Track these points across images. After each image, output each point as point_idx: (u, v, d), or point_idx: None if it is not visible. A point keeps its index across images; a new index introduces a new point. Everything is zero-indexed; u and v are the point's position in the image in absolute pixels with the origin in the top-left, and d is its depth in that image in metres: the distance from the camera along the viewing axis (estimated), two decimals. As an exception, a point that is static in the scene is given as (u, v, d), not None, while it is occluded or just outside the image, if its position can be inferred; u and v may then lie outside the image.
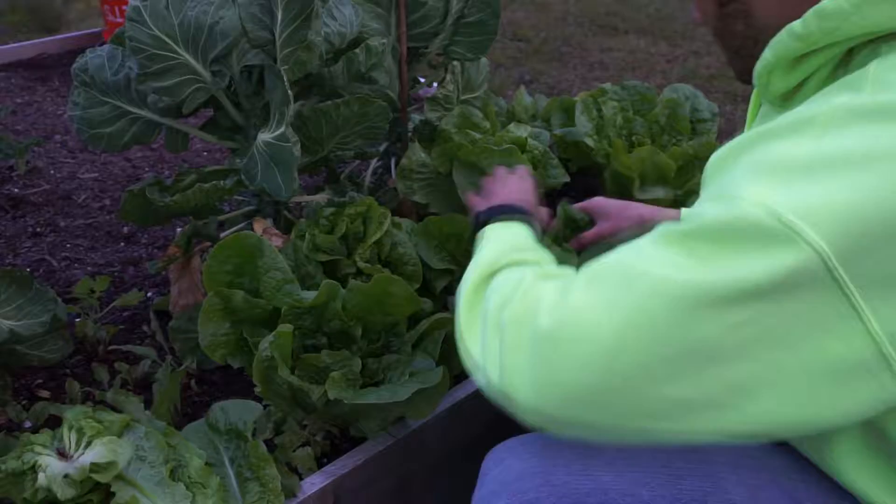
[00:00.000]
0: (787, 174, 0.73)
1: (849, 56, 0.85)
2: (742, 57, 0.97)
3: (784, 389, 0.75)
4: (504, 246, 1.06)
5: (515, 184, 1.41)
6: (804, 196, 0.71)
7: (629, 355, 0.76)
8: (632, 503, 0.97)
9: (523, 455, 1.04)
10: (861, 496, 0.91)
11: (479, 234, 1.16)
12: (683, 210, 0.77)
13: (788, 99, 0.91)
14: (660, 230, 0.79)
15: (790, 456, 1.03)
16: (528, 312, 0.84)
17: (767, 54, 0.87)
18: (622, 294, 0.77)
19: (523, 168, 1.52)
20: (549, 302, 0.83)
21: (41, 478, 1.10)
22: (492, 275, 0.99)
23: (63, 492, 1.10)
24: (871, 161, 0.71)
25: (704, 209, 0.76)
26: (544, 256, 1.04)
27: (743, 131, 1.30)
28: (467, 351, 0.95)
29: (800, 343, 0.73)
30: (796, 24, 0.82)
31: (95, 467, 1.12)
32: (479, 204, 1.34)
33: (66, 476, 1.10)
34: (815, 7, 0.81)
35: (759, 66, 0.89)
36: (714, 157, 0.84)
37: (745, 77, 0.97)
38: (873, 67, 0.79)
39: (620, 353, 0.76)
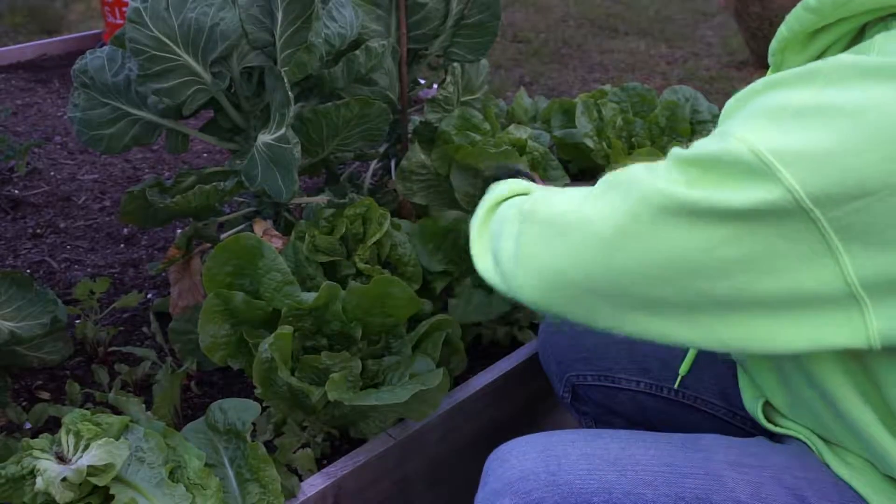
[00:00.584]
0: (779, 118, 0.78)
1: (861, 34, 0.88)
2: (758, 39, 1.02)
3: (756, 311, 0.82)
4: (512, 185, 1.16)
5: None
6: (788, 139, 0.76)
7: (625, 253, 0.85)
8: (635, 502, 0.99)
9: (527, 454, 1.05)
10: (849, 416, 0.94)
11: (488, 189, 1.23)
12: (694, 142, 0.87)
13: None
14: (671, 153, 0.86)
15: (792, 455, 1.04)
16: (539, 212, 0.96)
17: (782, 29, 0.90)
18: (623, 200, 0.86)
19: None
20: (561, 203, 0.94)
21: (39, 482, 1.10)
22: (501, 202, 1.10)
23: (61, 495, 1.09)
24: (860, 114, 0.75)
25: (706, 142, 0.83)
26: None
27: None
28: (478, 256, 1.07)
29: (775, 270, 0.79)
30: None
31: (93, 470, 1.12)
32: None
33: (63, 479, 1.10)
34: None
35: (773, 43, 0.93)
36: (729, 102, 0.89)
37: (763, 62, 1.01)
38: (879, 38, 0.83)
39: (617, 250, 0.85)
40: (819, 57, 0.90)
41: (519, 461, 1.05)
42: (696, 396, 1.32)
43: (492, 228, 1.07)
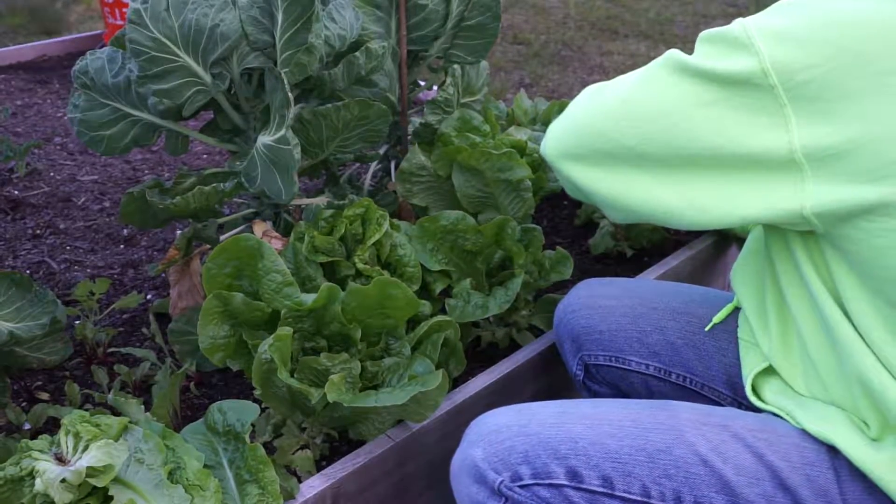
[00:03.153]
0: (777, 9, 0.98)
1: None
2: None
3: (719, 173, 1.00)
4: None
5: None
6: (772, 20, 0.95)
7: (630, 104, 1.05)
8: (600, 451, 1.06)
9: (503, 413, 1.15)
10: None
11: None
12: None
13: None
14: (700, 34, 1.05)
15: (759, 420, 1.10)
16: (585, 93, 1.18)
17: None
18: (649, 66, 1.07)
19: None
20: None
21: (38, 483, 1.10)
22: None
23: (60, 496, 1.09)
24: (828, 8, 0.93)
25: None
26: None
27: None
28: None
29: (737, 136, 0.96)
30: None
31: (92, 471, 1.11)
32: None
33: (62, 481, 1.10)
34: None
35: None
36: None
37: None
38: None
39: (625, 102, 1.06)
40: None
41: (494, 419, 1.14)
42: (704, 384, 1.36)
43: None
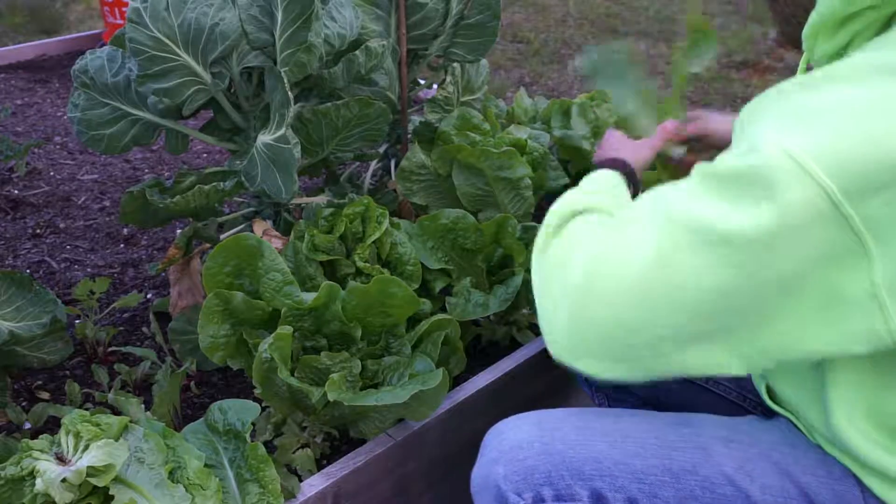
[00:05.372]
0: (805, 120, 0.80)
1: (889, 22, 0.90)
2: (792, 24, 1.08)
3: (787, 320, 0.82)
4: (591, 186, 1.13)
5: (630, 145, 1.41)
6: (815, 138, 0.77)
7: (656, 293, 0.84)
8: (624, 471, 1.02)
9: (522, 427, 1.09)
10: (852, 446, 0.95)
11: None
12: (719, 156, 0.87)
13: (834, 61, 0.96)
14: (696, 171, 0.86)
15: (781, 432, 1.07)
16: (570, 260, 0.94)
17: (814, 15, 0.93)
18: (651, 232, 0.85)
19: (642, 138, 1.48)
20: (592, 245, 0.92)
21: (39, 483, 1.10)
22: (569, 217, 1.03)
23: (61, 496, 1.09)
24: (880, 108, 0.78)
25: (733, 154, 0.83)
26: (621, 200, 1.10)
27: None
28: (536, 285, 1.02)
29: (806, 282, 0.80)
30: None
31: (93, 471, 1.11)
32: (597, 155, 1.41)
33: (63, 480, 1.10)
34: None
35: (806, 29, 0.95)
36: (743, 112, 0.90)
37: (795, 44, 1.06)
38: None
39: (648, 291, 0.84)
40: (849, 44, 0.93)
41: (514, 433, 1.09)
42: (709, 377, 1.34)
43: (554, 254, 1.00)
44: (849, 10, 0.89)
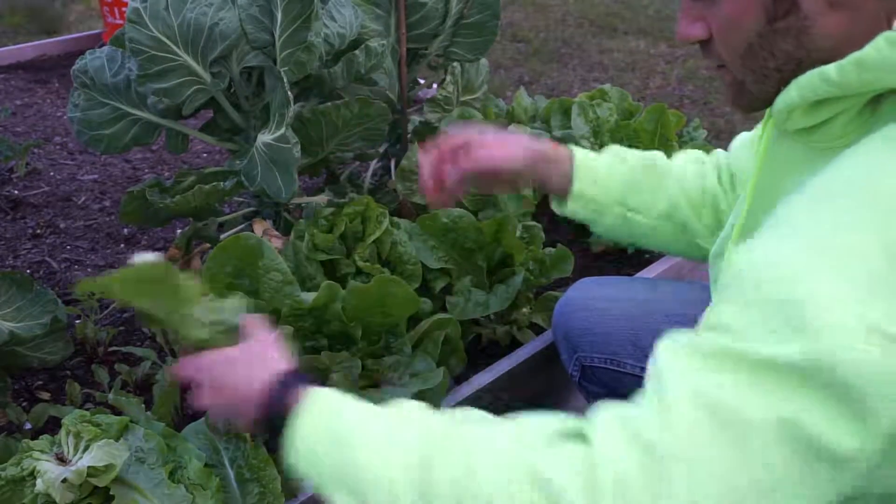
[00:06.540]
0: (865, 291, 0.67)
1: (877, 99, 0.82)
2: (769, 81, 0.89)
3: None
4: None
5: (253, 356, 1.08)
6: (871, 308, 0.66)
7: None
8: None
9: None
10: None
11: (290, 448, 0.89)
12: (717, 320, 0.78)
13: (811, 133, 0.87)
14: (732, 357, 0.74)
15: None
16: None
17: (794, 94, 0.84)
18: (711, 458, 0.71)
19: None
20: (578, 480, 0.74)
21: (39, 483, 1.10)
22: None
23: (62, 496, 1.09)
24: None
25: (781, 346, 0.70)
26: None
27: (745, 132, 1.29)
28: None
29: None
30: (831, 70, 0.79)
31: (93, 471, 1.11)
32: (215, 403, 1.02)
33: (64, 481, 1.10)
34: (856, 56, 0.77)
35: (780, 103, 0.86)
36: (740, 260, 0.78)
37: (752, 105, 0.92)
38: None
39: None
40: (825, 122, 0.84)
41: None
42: None
43: None
44: (837, 95, 0.81)
